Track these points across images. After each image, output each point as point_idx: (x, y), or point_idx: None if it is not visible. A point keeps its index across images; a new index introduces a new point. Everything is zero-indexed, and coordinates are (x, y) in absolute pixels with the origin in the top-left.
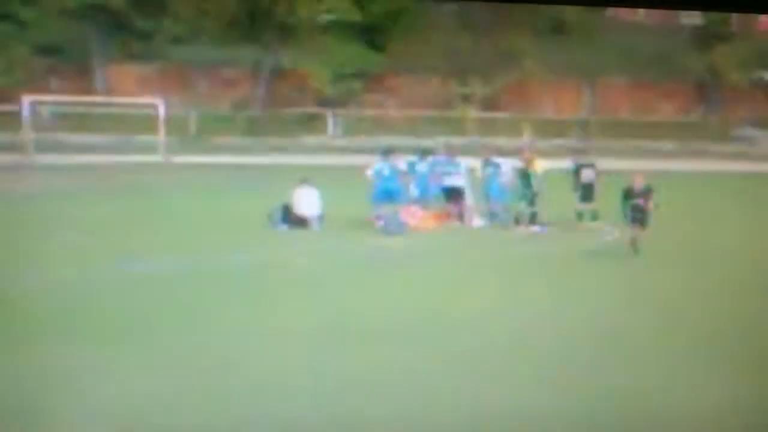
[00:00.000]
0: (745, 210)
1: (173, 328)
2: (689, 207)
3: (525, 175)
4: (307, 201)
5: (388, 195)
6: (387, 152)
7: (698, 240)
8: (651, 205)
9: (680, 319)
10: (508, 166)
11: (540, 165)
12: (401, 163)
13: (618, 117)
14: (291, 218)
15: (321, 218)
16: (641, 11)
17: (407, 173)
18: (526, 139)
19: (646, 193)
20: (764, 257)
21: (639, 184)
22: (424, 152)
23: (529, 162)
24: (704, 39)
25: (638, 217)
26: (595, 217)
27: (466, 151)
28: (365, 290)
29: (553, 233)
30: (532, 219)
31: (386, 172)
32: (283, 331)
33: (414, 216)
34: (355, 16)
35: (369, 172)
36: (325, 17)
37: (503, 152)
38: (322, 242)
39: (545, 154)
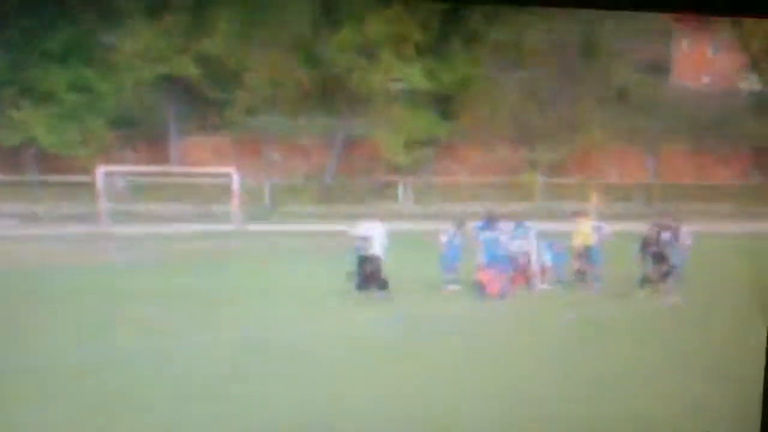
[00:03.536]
0: None
1: (247, 396)
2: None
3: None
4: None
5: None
6: (461, 221)
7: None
8: None
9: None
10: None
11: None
12: (472, 229)
13: (679, 181)
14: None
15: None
16: (704, 78)
17: (476, 239)
18: (594, 203)
19: None
20: None
21: None
22: (490, 218)
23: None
24: (762, 104)
25: None
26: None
27: (534, 215)
28: (435, 357)
29: (615, 295)
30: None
31: (458, 240)
32: (361, 402)
33: (491, 281)
34: (426, 85)
35: (442, 238)
36: (397, 86)
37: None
38: (393, 308)
39: (609, 217)
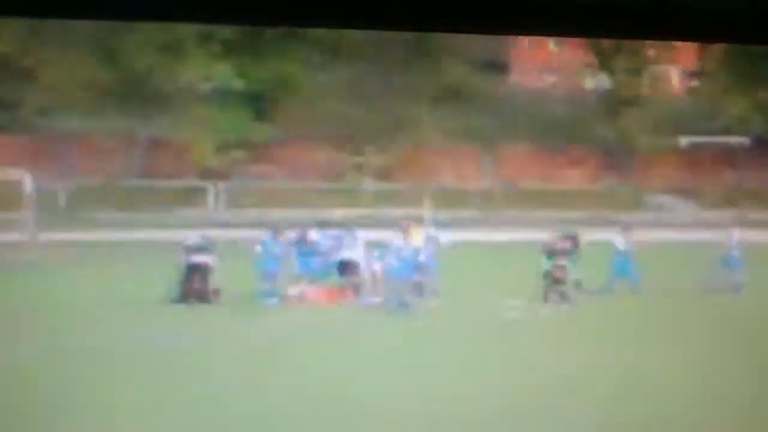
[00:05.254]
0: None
1: None
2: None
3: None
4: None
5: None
6: (278, 229)
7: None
8: None
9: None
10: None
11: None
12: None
13: (523, 185)
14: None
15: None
16: (548, 78)
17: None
18: (426, 210)
19: None
20: None
21: None
22: (312, 226)
23: (406, 232)
24: (613, 104)
25: None
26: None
27: (363, 223)
28: (254, 370)
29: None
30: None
31: (277, 248)
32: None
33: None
34: (238, 83)
35: (258, 248)
36: (205, 85)
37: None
38: (213, 320)
39: (447, 225)
